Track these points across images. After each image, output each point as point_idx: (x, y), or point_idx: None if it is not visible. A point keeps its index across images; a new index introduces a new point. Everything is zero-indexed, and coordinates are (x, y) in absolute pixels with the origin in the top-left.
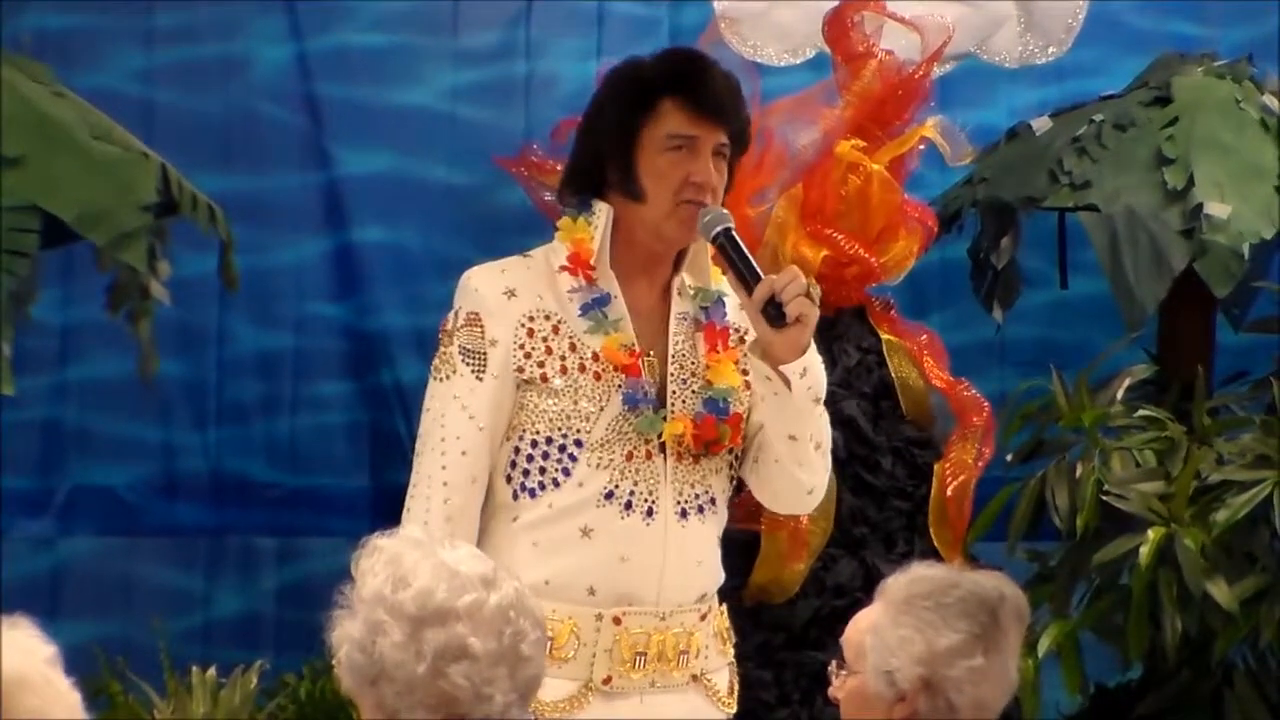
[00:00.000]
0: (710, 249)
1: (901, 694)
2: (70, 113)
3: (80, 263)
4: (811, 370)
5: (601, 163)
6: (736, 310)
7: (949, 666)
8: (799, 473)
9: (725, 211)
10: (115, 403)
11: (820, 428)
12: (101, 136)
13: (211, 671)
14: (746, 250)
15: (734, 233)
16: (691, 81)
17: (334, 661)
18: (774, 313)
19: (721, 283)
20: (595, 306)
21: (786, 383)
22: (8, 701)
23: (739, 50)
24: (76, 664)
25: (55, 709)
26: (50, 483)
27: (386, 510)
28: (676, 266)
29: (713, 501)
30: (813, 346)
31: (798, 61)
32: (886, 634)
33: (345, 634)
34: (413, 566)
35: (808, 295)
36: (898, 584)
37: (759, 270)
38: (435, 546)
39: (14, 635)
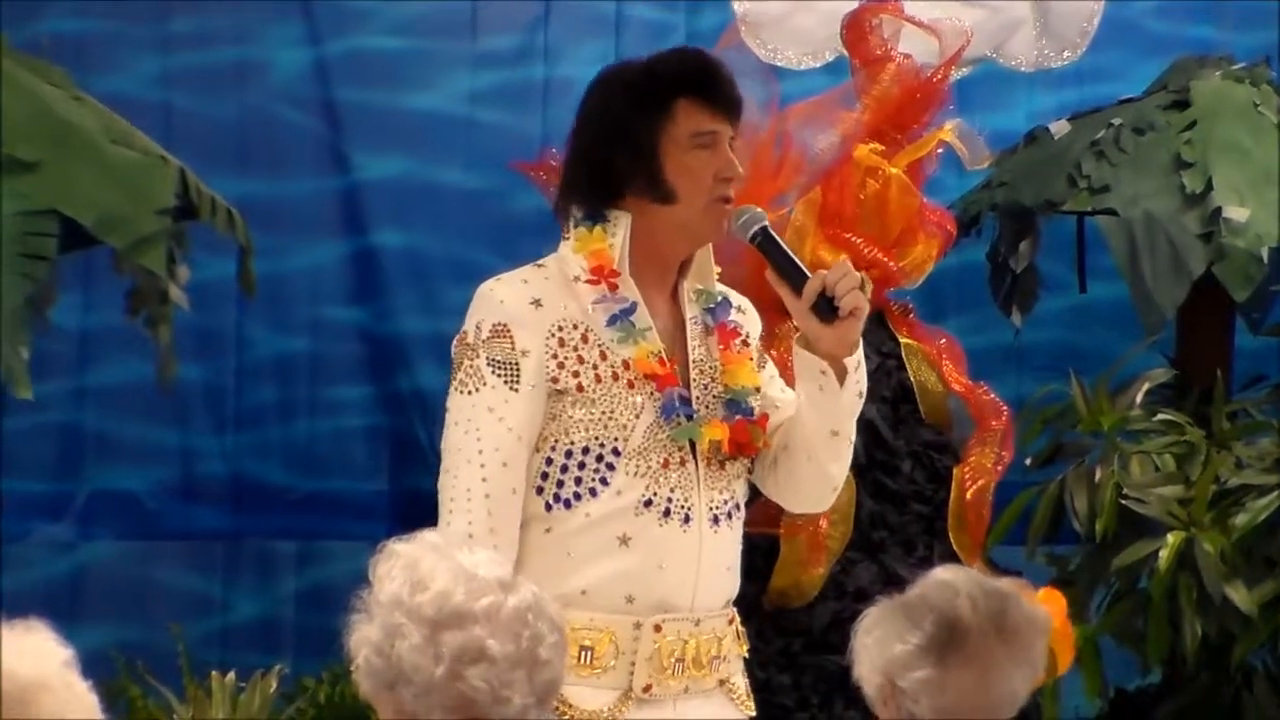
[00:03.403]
0: (713, 253)
1: (881, 699)
2: (89, 117)
3: (99, 267)
4: (860, 363)
5: (615, 171)
6: (735, 313)
7: (900, 677)
8: (832, 468)
9: (759, 210)
10: (134, 407)
11: (854, 424)
12: (120, 141)
13: (230, 675)
14: (787, 246)
15: (771, 230)
16: (704, 79)
17: (352, 666)
18: (825, 308)
19: (719, 285)
20: (623, 317)
21: (840, 376)
22: (27, 704)
23: (758, 53)
24: (95, 668)
25: (73, 711)
26: (69, 487)
27: (405, 514)
28: (681, 272)
29: (738, 507)
30: (861, 343)
31: (817, 65)
32: (862, 639)
33: (363, 638)
34: (430, 570)
35: (859, 288)
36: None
37: (804, 267)
38: (453, 550)
39: (30, 639)
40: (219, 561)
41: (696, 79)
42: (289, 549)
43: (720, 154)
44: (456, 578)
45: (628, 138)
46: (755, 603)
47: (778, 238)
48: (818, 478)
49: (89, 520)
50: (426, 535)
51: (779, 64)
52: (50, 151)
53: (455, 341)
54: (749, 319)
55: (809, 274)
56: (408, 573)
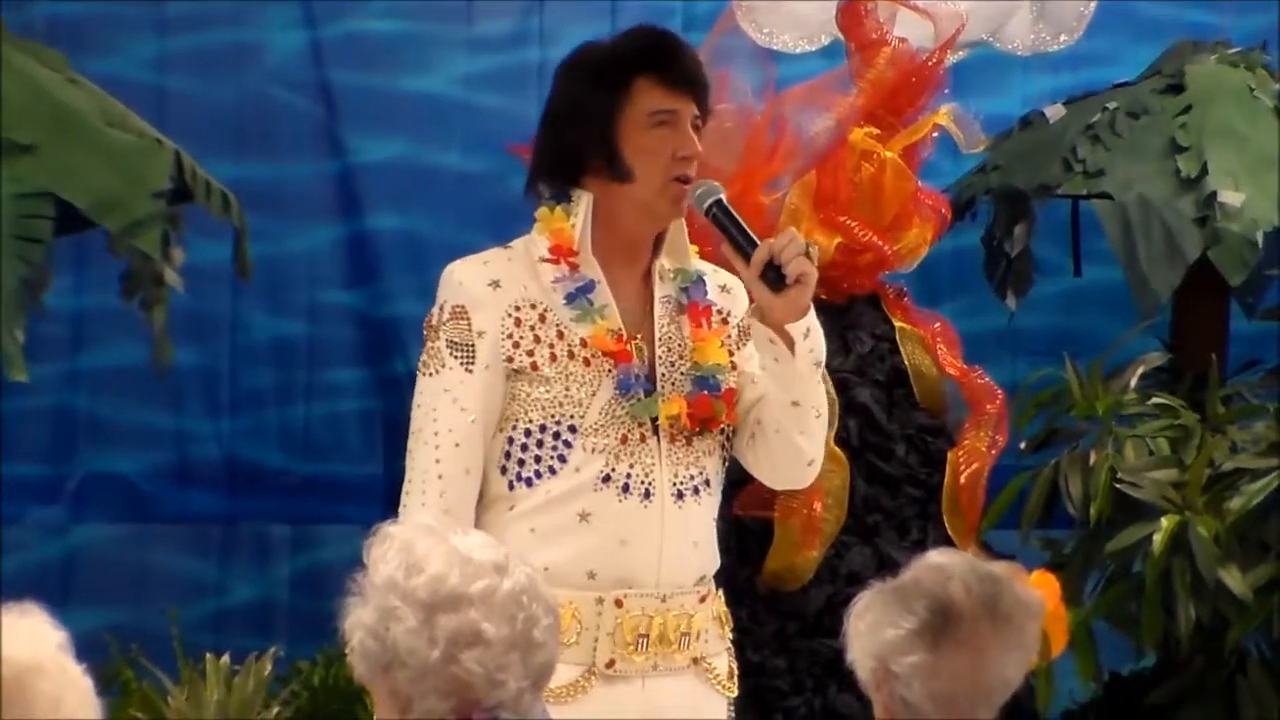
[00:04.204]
0: (686, 228)
1: (874, 684)
2: (84, 100)
3: (94, 250)
4: (814, 332)
5: (576, 151)
6: (717, 291)
7: (893, 661)
8: (800, 440)
9: (715, 183)
10: (128, 390)
11: (820, 395)
12: (115, 124)
13: (225, 659)
14: (740, 218)
15: (726, 202)
16: (663, 57)
17: (347, 649)
18: (773, 276)
19: (698, 263)
20: (580, 295)
21: (790, 345)
22: (22, 688)
23: (754, 37)
24: (89, 651)
25: (68, 695)
26: (63, 470)
27: (400, 498)
28: (655, 250)
29: (707, 483)
30: (812, 311)
31: (812, 49)
32: (854, 623)
33: (358, 621)
34: (425, 553)
35: (806, 255)
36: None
37: (755, 236)
38: (447, 533)
39: (24, 622)
40: (214, 545)
41: (655, 57)
42: (284, 532)
43: (679, 133)
44: (451, 561)
45: (587, 116)
46: (749, 585)
47: (731, 209)
48: (788, 451)
49: (83, 503)
50: (420, 518)
51: (775, 48)
52: (46, 134)
53: (424, 323)
54: (733, 297)
55: (759, 243)
56: (403, 556)
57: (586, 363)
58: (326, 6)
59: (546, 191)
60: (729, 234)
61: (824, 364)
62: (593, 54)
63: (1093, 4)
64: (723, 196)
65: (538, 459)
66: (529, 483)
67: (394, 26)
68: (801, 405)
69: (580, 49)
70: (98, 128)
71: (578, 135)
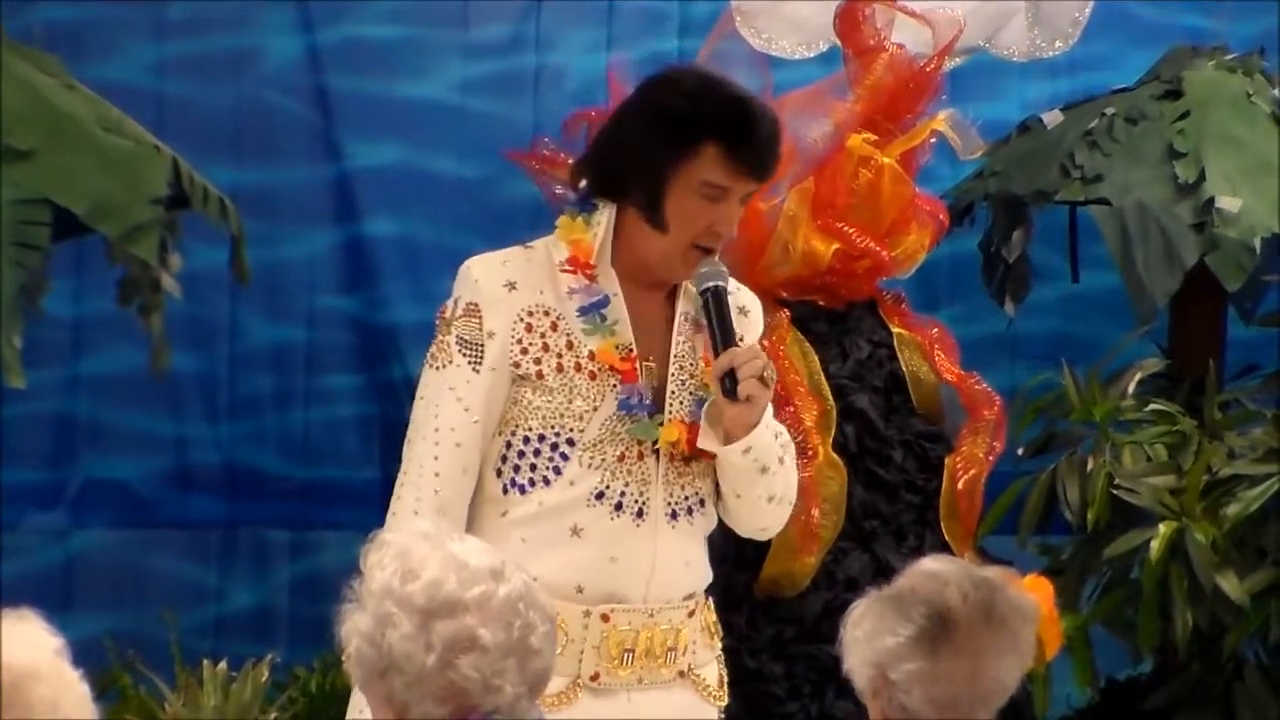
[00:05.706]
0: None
1: (872, 691)
2: (81, 105)
3: (91, 256)
4: (756, 447)
5: (623, 179)
6: (735, 313)
7: (892, 669)
8: (750, 519)
9: (723, 269)
10: (127, 395)
11: (770, 483)
12: (112, 129)
13: (222, 665)
14: (729, 314)
15: (722, 292)
16: (740, 131)
17: (344, 655)
18: (729, 385)
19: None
20: (594, 309)
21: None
22: (18, 692)
23: (752, 43)
24: (87, 657)
25: (65, 700)
26: (62, 475)
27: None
28: None
29: (702, 503)
30: (768, 413)
31: (810, 55)
32: (851, 632)
33: (355, 627)
34: (422, 559)
35: (762, 378)
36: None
37: (733, 338)
38: (444, 539)
39: (21, 628)
40: (212, 550)
41: (732, 129)
42: (282, 538)
43: (725, 209)
44: (447, 567)
45: (646, 158)
46: (747, 591)
47: (725, 300)
48: (742, 523)
49: (82, 509)
50: (417, 523)
51: (772, 53)
52: (44, 140)
53: (438, 314)
54: (750, 321)
55: (734, 346)
56: (399, 562)
57: (592, 376)
58: (324, 11)
59: (576, 195)
60: (710, 324)
61: (771, 467)
62: (675, 93)
63: (1087, 9)
64: (722, 285)
65: (533, 467)
66: (522, 490)
67: (391, 32)
68: (744, 498)
69: (667, 76)
70: (95, 133)
71: (630, 169)
